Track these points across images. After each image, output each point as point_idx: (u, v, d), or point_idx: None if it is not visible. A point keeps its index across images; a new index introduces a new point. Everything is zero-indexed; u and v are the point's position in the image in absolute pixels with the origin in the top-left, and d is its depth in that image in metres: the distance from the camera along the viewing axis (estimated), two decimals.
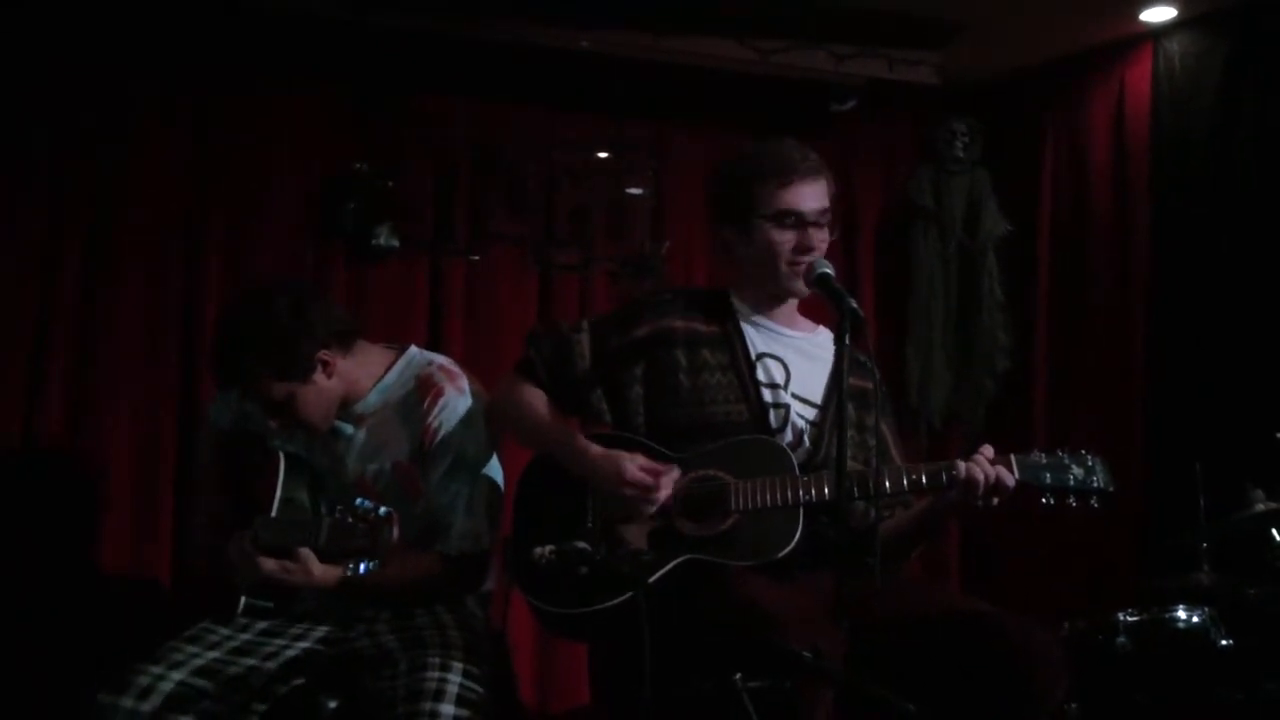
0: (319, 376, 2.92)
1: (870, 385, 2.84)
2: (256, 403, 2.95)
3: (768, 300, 2.88)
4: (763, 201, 2.79)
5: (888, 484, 2.61)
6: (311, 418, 2.95)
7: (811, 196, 2.79)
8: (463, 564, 2.92)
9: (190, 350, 4.08)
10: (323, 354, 2.91)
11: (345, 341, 2.98)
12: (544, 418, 2.83)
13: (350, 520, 2.70)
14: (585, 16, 4.26)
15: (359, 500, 2.72)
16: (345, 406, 3.01)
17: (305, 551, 2.77)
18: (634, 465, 2.64)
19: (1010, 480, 2.57)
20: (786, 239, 2.78)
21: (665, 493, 2.64)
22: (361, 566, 2.68)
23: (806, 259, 2.77)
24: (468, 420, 2.96)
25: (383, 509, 2.68)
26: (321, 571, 2.77)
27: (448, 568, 2.91)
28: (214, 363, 2.96)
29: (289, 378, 2.88)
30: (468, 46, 4.25)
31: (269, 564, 2.77)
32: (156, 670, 2.70)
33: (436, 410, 2.95)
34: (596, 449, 2.71)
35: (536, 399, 2.86)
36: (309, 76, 4.30)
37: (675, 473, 2.67)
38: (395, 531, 2.66)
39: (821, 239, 2.79)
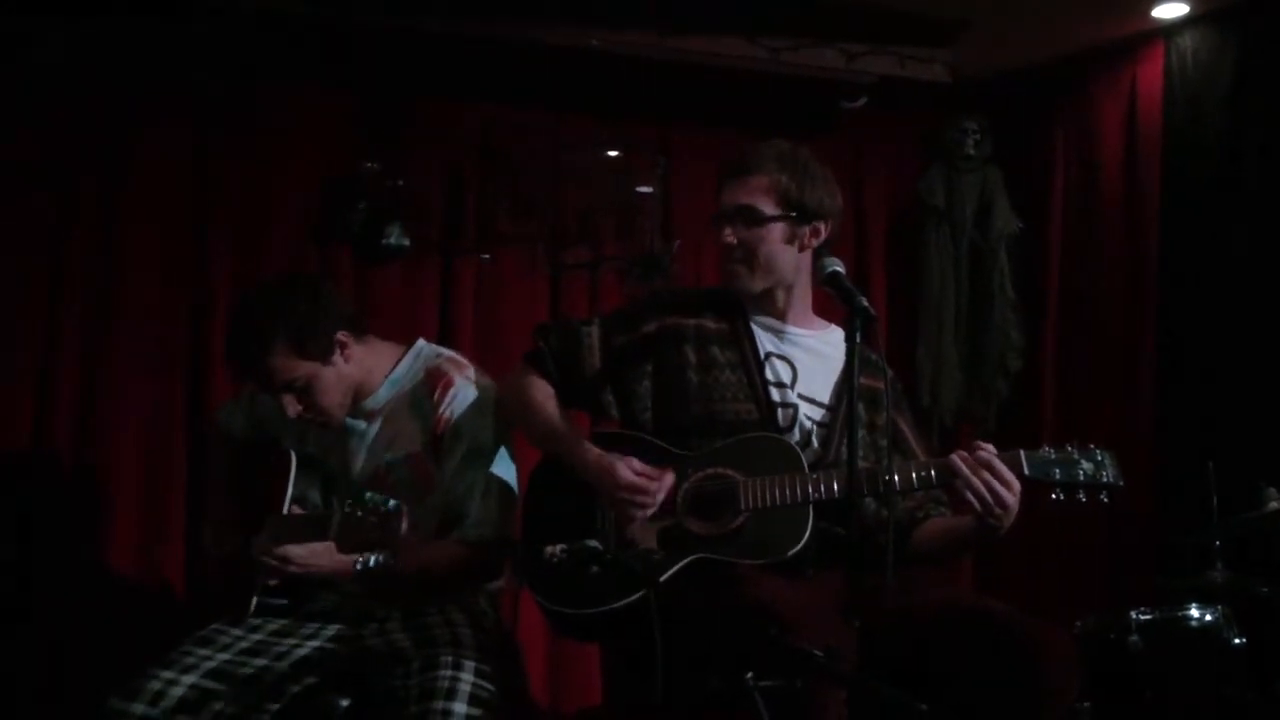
0: (337, 358, 2.93)
1: (881, 385, 2.83)
2: (274, 391, 2.93)
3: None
4: None
5: (898, 480, 2.60)
6: (329, 405, 2.95)
7: (726, 193, 2.79)
8: (481, 550, 2.93)
9: (199, 353, 4.09)
10: (340, 335, 2.93)
11: (358, 328, 3.00)
12: (550, 415, 2.83)
13: (360, 514, 2.69)
14: (594, 16, 4.25)
15: (368, 495, 2.72)
16: (357, 402, 3.02)
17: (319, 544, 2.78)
18: (628, 471, 2.62)
19: (1003, 469, 2.53)
20: (718, 235, 2.81)
21: (659, 498, 2.62)
22: (373, 560, 2.67)
23: (729, 255, 2.79)
24: (478, 408, 2.97)
25: (391, 503, 2.68)
26: (338, 561, 2.78)
27: (467, 554, 2.92)
28: (235, 346, 2.95)
29: (310, 356, 2.88)
30: (476, 47, 4.25)
31: (295, 550, 2.78)
32: (168, 675, 2.71)
33: (448, 399, 2.97)
34: (594, 453, 2.69)
35: (544, 394, 2.86)
36: (317, 78, 4.30)
37: (670, 477, 2.65)
38: (405, 525, 2.65)
39: (728, 234, 2.78)
